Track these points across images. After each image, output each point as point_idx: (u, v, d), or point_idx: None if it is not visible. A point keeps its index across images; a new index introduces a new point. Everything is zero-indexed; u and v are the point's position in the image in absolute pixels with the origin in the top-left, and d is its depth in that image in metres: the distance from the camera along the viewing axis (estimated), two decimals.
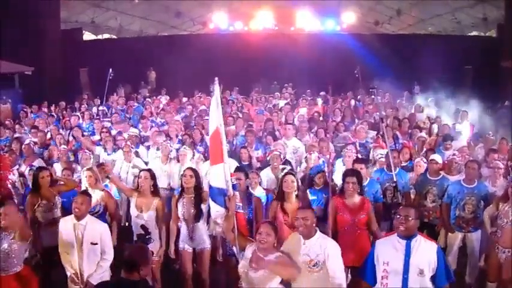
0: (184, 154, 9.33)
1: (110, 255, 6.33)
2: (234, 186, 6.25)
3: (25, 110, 16.45)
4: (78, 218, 6.30)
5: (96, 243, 6.27)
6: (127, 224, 7.83)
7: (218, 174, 5.99)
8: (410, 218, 5.03)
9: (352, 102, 16.89)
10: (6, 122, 13.99)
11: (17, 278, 5.99)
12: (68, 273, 6.35)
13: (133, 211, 7.16)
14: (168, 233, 7.25)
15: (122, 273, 4.65)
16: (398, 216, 5.12)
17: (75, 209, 6.28)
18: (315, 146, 9.72)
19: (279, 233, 5.65)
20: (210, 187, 6.11)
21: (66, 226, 6.35)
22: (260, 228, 5.16)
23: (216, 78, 6.14)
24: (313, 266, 5.12)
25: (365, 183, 7.32)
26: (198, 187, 7.07)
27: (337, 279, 5.15)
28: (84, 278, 6.26)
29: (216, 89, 6.18)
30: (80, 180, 8.57)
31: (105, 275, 6.21)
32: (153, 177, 7.28)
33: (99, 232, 6.34)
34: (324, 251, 5.14)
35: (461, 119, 13.07)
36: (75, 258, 6.27)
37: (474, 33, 31.45)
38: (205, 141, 10.90)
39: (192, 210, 6.93)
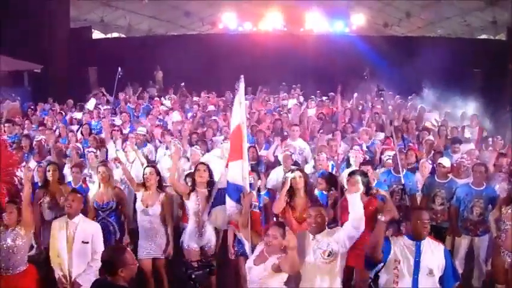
0: (196, 153, 9.30)
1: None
2: (250, 185, 6.33)
3: (32, 107, 16.55)
4: (71, 215, 6.32)
5: (87, 242, 6.26)
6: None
7: (236, 171, 6.02)
8: (425, 221, 5.09)
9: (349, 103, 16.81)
10: (16, 119, 14.06)
11: (23, 278, 6.05)
12: (57, 275, 6.31)
13: (139, 206, 7.20)
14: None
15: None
16: (423, 221, 5.09)
17: (67, 205, 6.32)
18: (325, 146, 9.72)
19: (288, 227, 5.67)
20: (228, 183, 6.13)
21: (59, 226, 6.36)
22: (268, 230, 5.22)
23: (242, 76, 6.16)
24: (328, 256, 5.21)
25: (373, 184, 7.32)
26: (211, 182, 7.10)
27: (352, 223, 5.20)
28: (72, 278, 6.23)
29: (241, 86, 6.18)
30: (85, 178, 8.66)
31: (93, 276, 5.99)
32: (158, 172, 7.36)
33: (90, 231, 6.34)
34: (333, 236, 5.24)
35: (470, 122, 13.02)
36: (64, 258, 6.25)
37: (484, 36, 31.35)
38: (211, 141, 11.08)
39: (206, 205, 6.95)
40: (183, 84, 19.70)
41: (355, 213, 5.17)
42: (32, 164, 9.51)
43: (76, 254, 6.24)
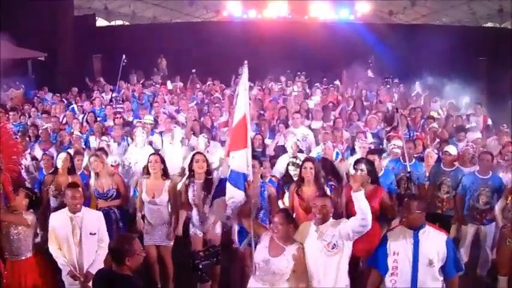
0: (202, 143, 9.25)
1: (107, 243, 6.04)
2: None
3: (38, 96, 16.57)
4: (75, 211, 6.18)
5: (95, 233, 6.19)
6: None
7: (241, 159, 5.98)
8: (412, 211, 5.06)
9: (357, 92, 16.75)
10: (25, 107, 14.09)
11: (28, 264, 6.06)
12: (67, 269, 6.12)
13: (145, 197, 7.15)
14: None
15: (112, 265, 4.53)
16: (401, 209, 5.21)
17: (72, 205, 6.12)
18: (329, 134, 9.71)
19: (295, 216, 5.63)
20: (232, 172, 6.10)
21: (61, 220, 6.18)
22: (275, 217, 5.21)
23: (246, 62, 6.04)
24: (332, 248, 5.12)
25: (380, 173, 7.29)
26: (208, 172, 7.09)
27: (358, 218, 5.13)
28: (84, 270, 6.14)
29: (245, 72, 6.07)
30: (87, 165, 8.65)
31: (102, 264, 6.01)
32: (162, 160, 7.30)
33: (96, 221, 6.25)
34: (338, 227, 5.16)
35: (474, 110, 12.98)
36: (72, 252, 6.13)
37: (489, 24, 31.17)
38: (215, 128, 11.02)
39: (203, 195, 6.95)
40: (194, 70, 19.67)
41: (362, 213, 5.04)
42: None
43: (85, 246, 6.15)
